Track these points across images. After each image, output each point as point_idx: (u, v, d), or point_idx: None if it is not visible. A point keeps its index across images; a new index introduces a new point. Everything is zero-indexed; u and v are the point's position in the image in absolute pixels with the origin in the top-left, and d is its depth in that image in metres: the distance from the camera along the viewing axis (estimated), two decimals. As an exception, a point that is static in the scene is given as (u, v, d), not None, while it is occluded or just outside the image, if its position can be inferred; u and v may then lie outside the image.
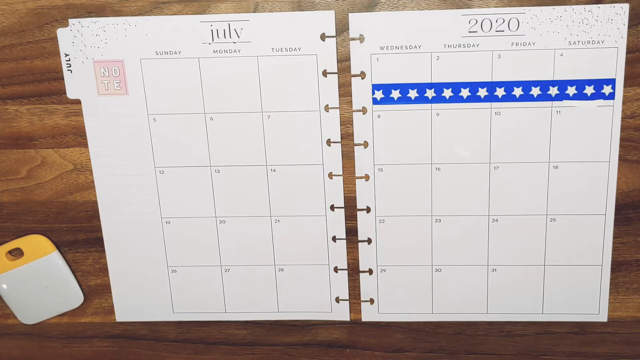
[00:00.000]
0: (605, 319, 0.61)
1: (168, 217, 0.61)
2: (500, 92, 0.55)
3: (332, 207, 0.59)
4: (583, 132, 0.56)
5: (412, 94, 0.56)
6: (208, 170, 0.59)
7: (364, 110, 0.57)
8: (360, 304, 0.63)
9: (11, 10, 0.55)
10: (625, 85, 0.54)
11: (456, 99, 0.56)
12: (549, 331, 0.63)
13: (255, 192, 0.59)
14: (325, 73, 0.56)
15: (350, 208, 0.60)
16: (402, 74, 0.55)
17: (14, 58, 0.57)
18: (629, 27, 0.53)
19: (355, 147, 0.58)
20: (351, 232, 0.60)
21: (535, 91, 0.55)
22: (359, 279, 0.62)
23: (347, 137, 0.58)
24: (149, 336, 0.66)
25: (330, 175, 0.59)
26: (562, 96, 0.55)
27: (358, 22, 0.54)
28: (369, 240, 0.60)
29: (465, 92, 0.55)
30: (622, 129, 0.56)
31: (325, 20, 0.54)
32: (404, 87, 0.56)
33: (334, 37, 0.54)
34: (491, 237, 0.59)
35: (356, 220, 0.60)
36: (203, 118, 0.57)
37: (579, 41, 0.53)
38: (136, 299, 0.64)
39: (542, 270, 0.60)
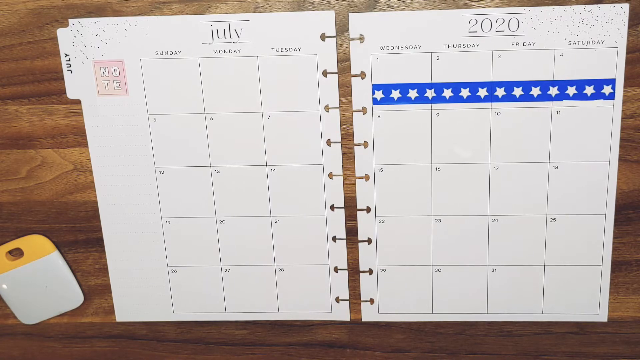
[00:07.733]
0: (605, 319, 0.61)
1: (168, 217, 0.61)
2: (500, 92, 0.55)
3: (332, 207, 0.59)
4: (583, 132, 0.56)
5: (412, 94, 0.56)
6: (208, 170, 0.59)
7: (364, 110, 0.57)
8: (360, 304, 0.63)
9: (11, 10, 0.55)
10: (625, 85, 0.54)
11: (456, 99, 0.56)
12: (549, 331, 0.63)
13: (255, 192, 0.59)
14: (325, 73, 0.56)
15: (350, 208, 0.60)
16: (402, 74, 0.55)
17: (14, 58, 0.57)
18: (629, 27, 0.53)
19: (355, 147, 0.58)
20: (351, 232, 0.60)
21: (535, 91, 0.55)
22: (359, 279, 0.62)
23: (347, 137, 0.58)
24: (149, 336, 0.66)
25: (330, 175, 0.59)
26: (562, 96, 0.55)
27: (358, 22, 0.54)
28: (369, 240, 0.60)
29: (465, 92, 0.55)
30: (622, 129, 0.56)
31: (325, 20, 0.54)
32: (404, 87, 0.56)
33: (334, 37, 0.54)
34: (491, 237, 0.59)
35: (356, 220, 0.60)
36: (203, 118, 0.57)
37: (579, 41, 0.53)
38: (136, 299, 0.64)
39: (542, 270, 0.60)
